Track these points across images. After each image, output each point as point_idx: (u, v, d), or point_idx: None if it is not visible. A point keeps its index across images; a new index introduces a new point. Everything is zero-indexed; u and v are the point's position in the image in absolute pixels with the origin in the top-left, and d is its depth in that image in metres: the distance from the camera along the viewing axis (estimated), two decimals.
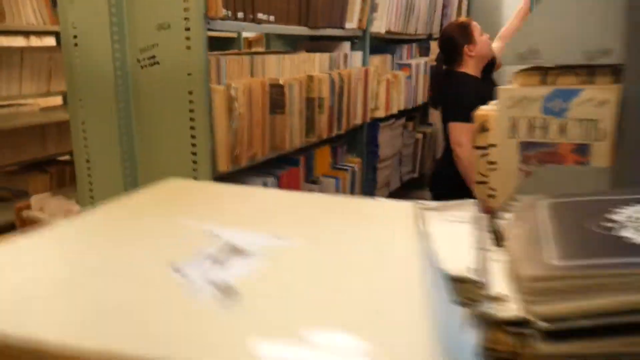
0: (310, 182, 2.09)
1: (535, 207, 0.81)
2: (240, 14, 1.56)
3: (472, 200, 1.06)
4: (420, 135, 3.14)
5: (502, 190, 1.25)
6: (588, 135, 1.13)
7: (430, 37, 3.25)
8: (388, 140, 2.67)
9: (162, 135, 1.50)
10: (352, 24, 2.18)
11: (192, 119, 1.46)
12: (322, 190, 2.05)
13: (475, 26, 2.60)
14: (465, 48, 2.54)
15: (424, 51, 3.22)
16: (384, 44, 2.79)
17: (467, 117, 2.50)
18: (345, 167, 2.26)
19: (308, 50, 2.18)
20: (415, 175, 3.17)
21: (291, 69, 1.87)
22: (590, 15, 1.08)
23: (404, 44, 2.95)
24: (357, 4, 2.16)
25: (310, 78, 1.88)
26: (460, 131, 2.43)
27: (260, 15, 1.64)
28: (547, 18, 1.11)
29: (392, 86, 2.55)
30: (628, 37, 1.05)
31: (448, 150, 2.52)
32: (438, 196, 2.70)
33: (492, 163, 1.31)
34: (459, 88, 2.51)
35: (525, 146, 1.20)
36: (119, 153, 1.56)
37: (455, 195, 2.97)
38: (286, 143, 1.75)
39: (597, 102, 1.10)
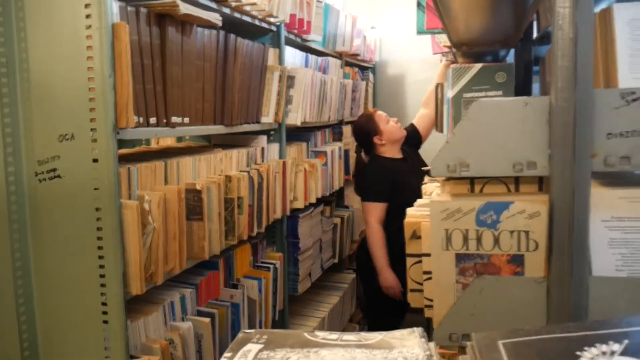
0: (231, 285, 1.95)
1: (495, 349, 0.76)
2: (152, 120, 1.45)
3: (418, 329, 1.00)
4: (338, 220, 3.11)
5: (440, 302, 1.20)
6: (521, 246, 1.13)
7: (341, 122, 3.31)
8: (308, 231, 2.61)
9: (65, 258, 1.32)
10: (268, 118, 2.14)
11: (99, 238, 1.30)
12: (244, 294, 1.91)
13: (380, 116, 2.78)
14: (375, 139, 2.74)
15: (337, 136, 3.26)
16: (298, 132, 2.79)
17: (375, 197, 2.62)
18: (266, 265, 2.14)
19: (223, 145, 2.10)
20: (336, 260, 3.11)
21: (207, 169, 1.77)
22: (516, 128, 1.10)
23: (317, 130, 2.97)
24: (273, 98, 2.14)
25: (229, 178, 1.79)
26: (367, 210, 2.63)
27: (174, 119, 1.54)
28: (474, 130, 1.12)
29: (309, 175, 2.52)
30: (550, 150, 1.08)
31: None
32: (360, 266, 2.85)
33: (427, 272, 1.27)
34: (369, 171, 2.73)
35: (461, 258, 1.17)
36: (11, 281, 1.35)
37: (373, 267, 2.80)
38: (205, 252, 1.62)
39: (527, 214, 1.10)
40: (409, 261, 1.36)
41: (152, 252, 1.38)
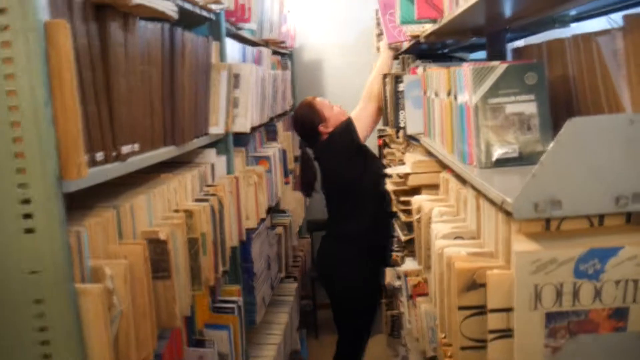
0: (195, 342, 1.57)
1: None
2: (99, 155, 1.03)
3: None
4: (281, 230, 2.79)
5: None
6: (627, 297, 0.91)
7: (273, 119, 2.96)
8: (259, 251, 2.26)
9: None
10: (218, 128, 1.75)
11: (44, 343, 0.87)
12: (214, 353, 1.54)
13: (322, 103, 2.63)
14: (321, 127, 2.57)
15: (272, 135, 2.92)
16: (235, 136, 2.40)
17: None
18: (228, 307, 1.78)
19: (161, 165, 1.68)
20: (283, 274, 2.80)
21: (163, 204, 1.36)
22: (619, 152, 0.87)
23: (254, 131, 2.60)
24: (222, 104, 1.75)
25: (189, 214, 1.40)
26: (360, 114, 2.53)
27: (124, 149, 1.13)
28: (567, 158, 0.87)
29: (259, 188, 2.17)
30: None
31: (333, 221, 2.63)
32: (324, 272, 2.68)
33: (496, 331, 1.01)
34: (336, 136, 2.52)
35: (553, 317, 0.93)
36: None
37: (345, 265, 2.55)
38: (177, 318, 1.23)
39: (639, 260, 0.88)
40: (460, 314, 1.10)
41: (121, 344, 0.98)
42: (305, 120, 2.62)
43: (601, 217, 0.96)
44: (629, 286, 0.90)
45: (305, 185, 2.85)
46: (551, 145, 0.88)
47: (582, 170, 0.87)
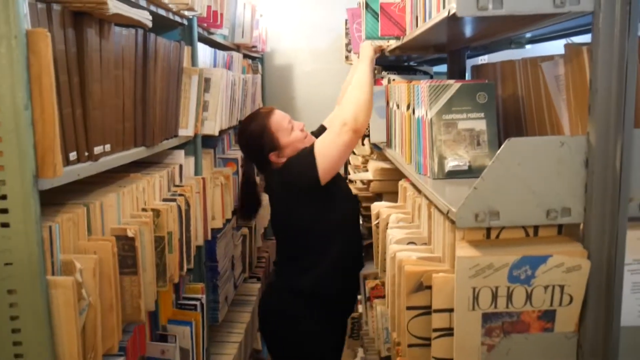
0: (159, 337, 1.62)
1: None
2: (72, 155, 1.08)
3: None
4: (246, 230, 2.84)
5: None
6: (554, 301, 1.01)
7: (241, 122, 3.01)
8: (224, 251, 2.32)
9: None
10: (187, 130, 1.81)
11: (15, 331, 0.92)
12: (177, 347, 1.60)
13: (279, 124, 1.92)
14: (272, 156, 1.92)
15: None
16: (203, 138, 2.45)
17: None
18: (191, 304, 1.83)
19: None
20: (246, 275, 2.85)
21: (131, 203, 1.41)
22: (550, 170, 0.97)
23: (223, 134, 2.66)
24: (192, 107, 1.81)
25: (157, 213, 1.45)
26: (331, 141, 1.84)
27: (96, 150, 1.18)
28: (504, 174, 0.97)
29: (225, 189, 2.23)
30: (586, 195, 0.97)
31: (280, 268, 2.07)
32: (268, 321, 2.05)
33: (439, 330, 1.11)
34: (292, 168, 1.90)
35: (488, 317, 1.02)
36: None
37: (287, 324, 2.07)
38: (141, 313, 1.29)
39: (565, 267, 0.99)
40: (408, 314, 1.19)
41: (88, 335, 1.03)
42: (253, 142, 1.95)
43: (536, 228, 1.06)
44: (555, 291, 1.00)
45: (245, 212, 2.28)
46: (491, 161, 0.98)
47: (518, 185, 0.98)
